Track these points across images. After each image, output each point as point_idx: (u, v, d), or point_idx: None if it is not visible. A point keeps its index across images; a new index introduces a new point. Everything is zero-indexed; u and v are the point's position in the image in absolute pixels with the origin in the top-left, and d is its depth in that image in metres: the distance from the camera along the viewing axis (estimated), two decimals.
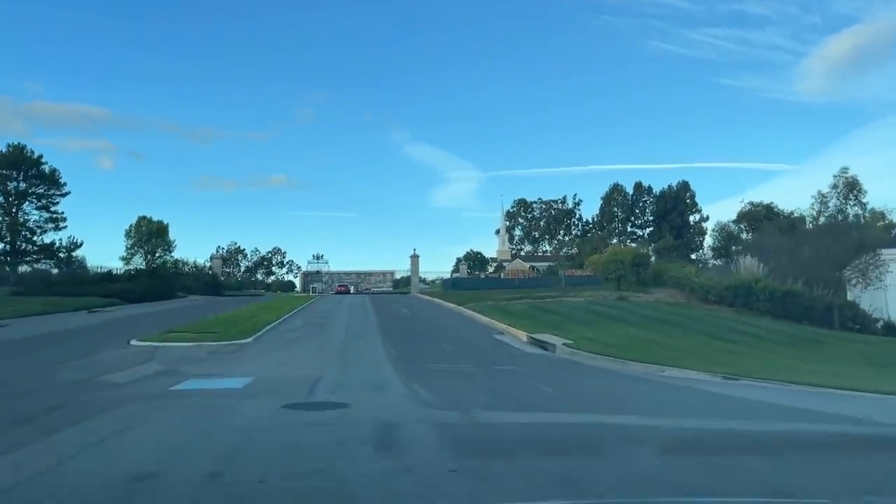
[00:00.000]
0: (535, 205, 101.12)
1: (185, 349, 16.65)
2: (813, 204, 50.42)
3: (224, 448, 6.04)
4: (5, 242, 57.20)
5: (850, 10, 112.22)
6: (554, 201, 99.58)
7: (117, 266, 60.06)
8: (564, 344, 18.67)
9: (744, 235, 68.09)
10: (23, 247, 57.72)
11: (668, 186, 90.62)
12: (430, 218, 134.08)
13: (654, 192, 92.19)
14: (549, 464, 5.53)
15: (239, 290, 65.86)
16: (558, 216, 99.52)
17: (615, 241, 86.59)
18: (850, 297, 34.84)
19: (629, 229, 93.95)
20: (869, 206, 51.79)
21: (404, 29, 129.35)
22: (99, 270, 49.65)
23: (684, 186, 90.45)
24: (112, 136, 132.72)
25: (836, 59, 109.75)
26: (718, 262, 65.69)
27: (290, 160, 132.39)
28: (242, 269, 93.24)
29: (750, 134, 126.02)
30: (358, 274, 78.39)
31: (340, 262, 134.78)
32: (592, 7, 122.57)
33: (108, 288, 38.85)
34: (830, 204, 50.17)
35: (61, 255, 58.37)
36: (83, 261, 57.96)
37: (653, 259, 50.64)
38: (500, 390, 11.14)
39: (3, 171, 56.55)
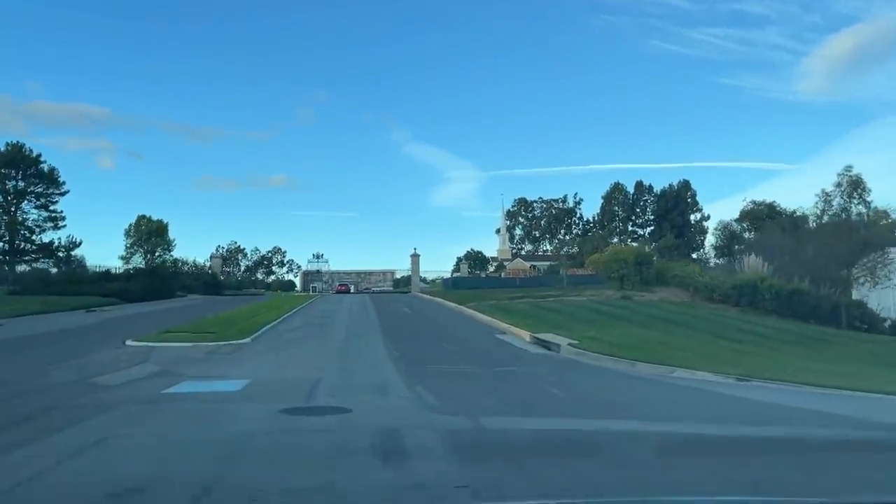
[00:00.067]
0: (535, 204, 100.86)
1: (181, 349, 16.28)
2: (817, 203, 50.00)
3: (217, 459, 5.61)
4: (4, 242, 56.84)
5: (850, 9, 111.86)
6: (554, 200, 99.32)
7: (117, 265, 59.77)
8: (569, 344, 18.28)
9: (746, 234, 67.70)
10: (21, 246, 57.35)
11: (669, 185, 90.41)
12: (430, 217, 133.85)
13: (654, 191, 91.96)
14: (568, 476, 5.12)
15: (239, 290, 65.62)
16: (559, 215, 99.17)
17: (616, 240, 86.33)
18: (856, 296, 34.47)
19: (630, 228, 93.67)
20: (872, 205, 51.40)
21: (404, 29, 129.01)
22: (98, 270, 49.31)
23: (685, 185, 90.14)
24: (112, 136, 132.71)
25: (836, 58, 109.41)
26: (720, 261, 65.34)
27: (290, 160, 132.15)
28: (242, 268, 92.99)
29: (750, 133, 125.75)
30: (358, 273, 78.04)
31: (340, 261, 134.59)
32: (592, 6, 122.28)
33: (107, 287, 38.60)
34: (834, 202, 49.76)
35: (60, 254, 58.02)
36: (82, 260, 57.73)
37: (655, 258, 50.26)
38: (506, 393, 10.75)
39: (2, 170, 56.17)
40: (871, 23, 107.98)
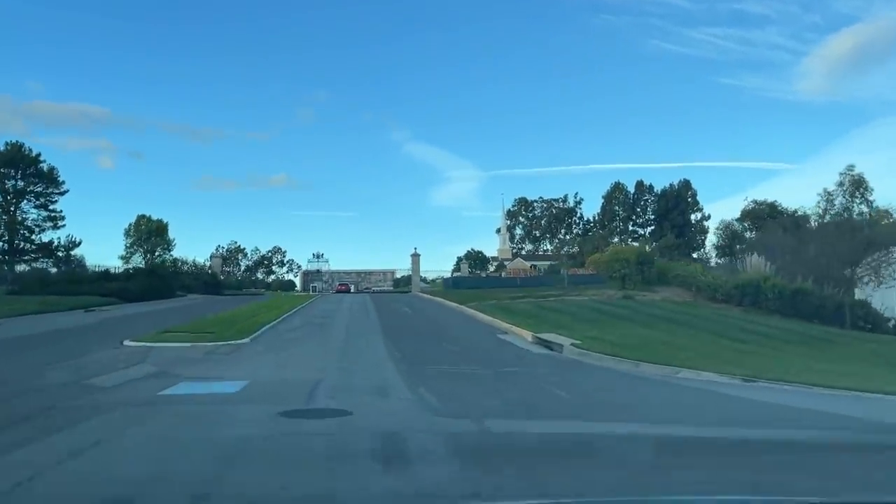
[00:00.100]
0: (535, 203, 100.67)
1: (179, 350, 16.06)
2: (819, 202, 49.68)
3: (212, 465, 5.37)
4: (3, 241, 56.65)
5: (850, 9, 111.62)
6: (555, 200, 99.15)
7: (116, 265, 59.54)
8: (572, 344, 18.07)
9: (748, 234, 67.48)
10: (21, 245, 57.15)
11: (670, 185, 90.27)
12: (430, 217, 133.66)
13: (655, 190, 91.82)
14: (580, 483, 4.89)
15: (239, 290, 65.47)
16: (559, 215, 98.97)
17: (616, 239, 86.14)
18: (859, 295, 34.26)
19: (630, 228, 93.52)
20: (874, 205, 51.09)
21: (404, 28, 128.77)
22: (97, 269, 49.10)
23: (685, 185, 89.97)
24: (112, 136, 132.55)
25: (836, 58, 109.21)
26: (721, 261, 65.12)
27: (290, 160, 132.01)
28: (242, 268, 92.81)
29: (750, 133, 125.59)
30: (358, 273, 77.86)
31: (341, 261, 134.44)
32: (592, 6, 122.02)
33: (106, 287, 38.39)
34: (836, 202, 49.44)
35: (59, 253, 57.83)
36: (82, 260, 57.52)
37: (656, 258, 50.05)
38: (510, 394, 10.53)
39: (1, 170, 55.99)
40: (871, 22, 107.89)
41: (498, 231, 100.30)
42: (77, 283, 38.47)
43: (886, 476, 5.40)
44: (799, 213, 55.48)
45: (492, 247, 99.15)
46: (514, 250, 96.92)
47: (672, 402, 10.60)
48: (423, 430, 7.13)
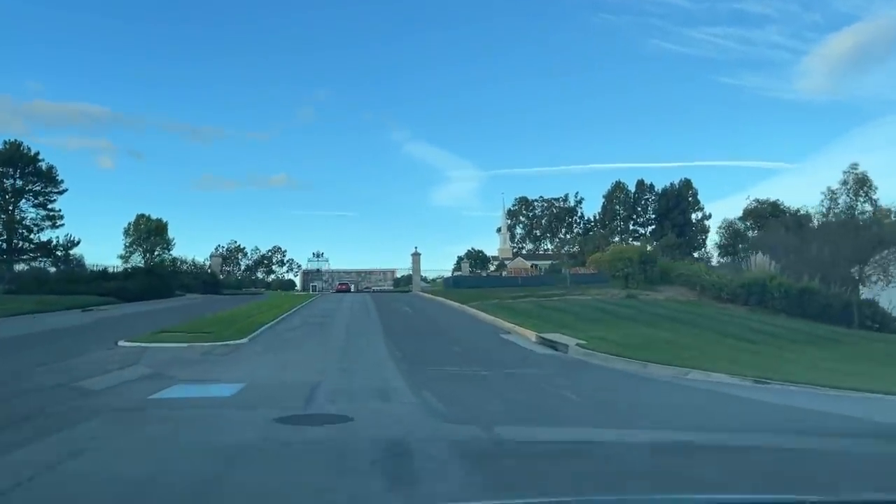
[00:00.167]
0: (536, 203, 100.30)
1: (175, 350, 15.66)
2: (822, 201, 49.35)
3: (199, 480, 4.90)
4: (1, 240, 56.18)
5: (850, 8, 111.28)
6: (555, 199, 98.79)
7: (116, 264, 59.10)
8: (577, 344, 17.67)
9: (750, 233, 67.11)
10: (19, 245, 56.69)
11: (670, 184, 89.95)
12: (430, 217, 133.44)
13: (655, 189, 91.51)
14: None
15: (238, 289, 65.12)
16: (560, 214, 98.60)
17: (617, 239, 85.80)
18: (865, 294, 33.86)
19: (631, 227, 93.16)
20: (878, 203, 50.78)
21: (404, 28, 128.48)
22: (96, 269, 48.70)
23: (686, 184, 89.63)
24: (112, 136, 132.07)
25: (836, 57, 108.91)
26: (724, 260, 64.79)
27: (290, 160, 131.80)
28: (242, 267, 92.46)
29: (751, 132, 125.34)
30: (358, 272, 77.52)
31: (341, 260, 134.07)
32: (592, 5, 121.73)
33: (104, 286, 38.04)
34: (840, 200, 49.14)
35: (58, 253, 57.34)
36: (81, 259, 57.06)
37: (659, 257, 49.64)
38: (518, 398, 10.11)
39: (0, 168, 55.54)
40: (871, 21, 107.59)
41: (498, 230, 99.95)
42: (75, 283, 38.19)
43: None
44: (801, 212, 55.17)
45: (492, 246, 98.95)
46: (515, 250, 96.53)
47: (686, 405, 10.19)
48: (430, 438, 6.70)
